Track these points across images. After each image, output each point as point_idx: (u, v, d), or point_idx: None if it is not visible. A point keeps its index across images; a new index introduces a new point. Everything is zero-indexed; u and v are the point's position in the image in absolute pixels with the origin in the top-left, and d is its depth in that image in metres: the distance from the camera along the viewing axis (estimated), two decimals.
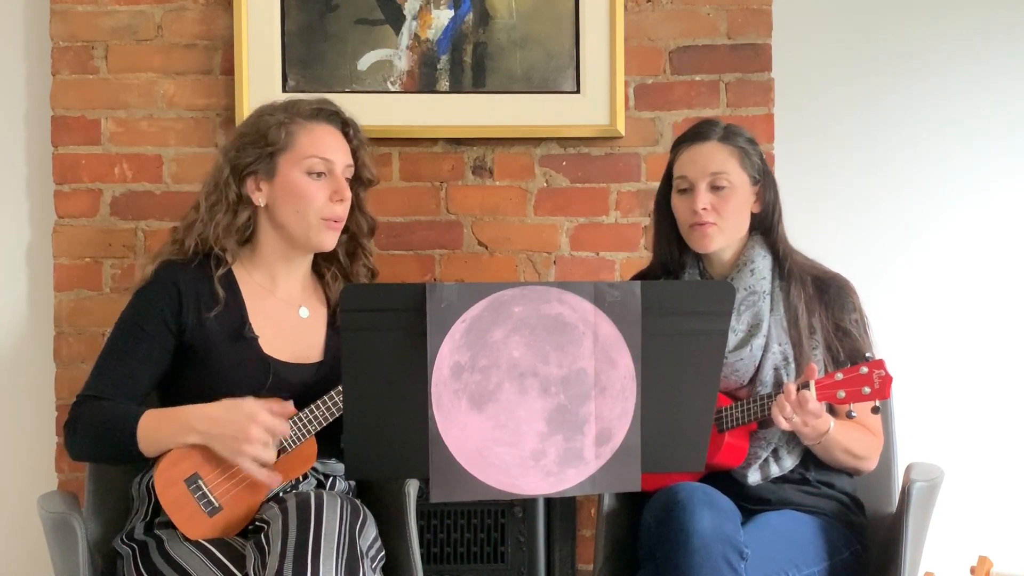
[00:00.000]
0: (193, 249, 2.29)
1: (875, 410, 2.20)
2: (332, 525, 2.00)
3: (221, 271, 2.27)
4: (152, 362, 2.24)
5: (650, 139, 2.93)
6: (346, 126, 2.34)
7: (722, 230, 2.36)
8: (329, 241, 2.31)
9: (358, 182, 2.37)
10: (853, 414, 2.20)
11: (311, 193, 2.27)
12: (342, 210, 2.30)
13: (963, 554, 2.59)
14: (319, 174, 2.28)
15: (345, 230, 2.36)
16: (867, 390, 2.18)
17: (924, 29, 3.02)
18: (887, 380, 2.17)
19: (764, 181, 2.39)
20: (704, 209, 2.33)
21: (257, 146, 2.28)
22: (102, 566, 2.28)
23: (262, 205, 2.30)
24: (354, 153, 2.35)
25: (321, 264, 2.41)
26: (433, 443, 1.83)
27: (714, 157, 2.35)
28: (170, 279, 2.26)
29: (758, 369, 2.35)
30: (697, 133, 2.40)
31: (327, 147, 2.29)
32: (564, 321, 1.85)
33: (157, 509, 2.18)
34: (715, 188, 2.35)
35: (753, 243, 2.41)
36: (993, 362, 3.03)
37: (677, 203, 2.40)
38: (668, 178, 2.44)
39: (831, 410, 2.28)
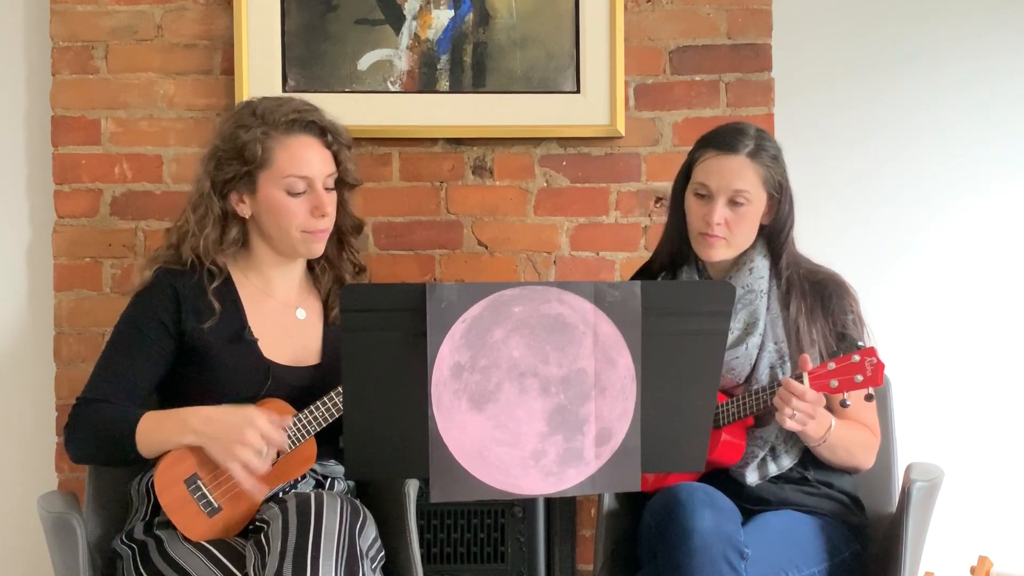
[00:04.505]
0: (190, 261, 2.27)
1: (869, 397, 2.20)
2: (332, 525, 2.00)
3: (217, 283, 2.27)
4: (151, 365, 2.24)
5: (650, 139, 2.93)
6: (324, 133, 2.29)
7: (730, 244, 2.35)
8: (317, 249, 2.30)
9: (342, 183, 2.34)
10: (847, 403, 2.20)
11: (292, 211, 2.25)
12: (325, 224, 2.28)
13: (963, 554, 2.58)
14: (299, 191, 2.25)
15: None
16: (860, 378, 2.18)
17: (924, 28, 3.02)
18: (879, 367, 2.17)
19: (781, 197, 2.37)
20: (718, 224, 2.33)
21: (234, 163, 2.25)
22: (102, 566, 2.28)
23: (248, 216, 2.29)
24: (335, 157, 2.31)
25: (311, 259, 2.40)
26: (433, 443, 1.83)
27: (740, 174, 2.32)
28: (169, 283, 2.26)
29: (754, 367, 2.35)
30: (726, 143, 2.34)
31: (305, 163, 2.25)
32: (564, 321, 1.85)
33: (156, 509, 2.18)
34: (733, 203, 2.33)
35: (755, 242, 2.40)
36: (993, 362, 3.03)
37: (692, 204, 2.37)
38: (687, 174, 2.40)
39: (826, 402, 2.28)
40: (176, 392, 2.28)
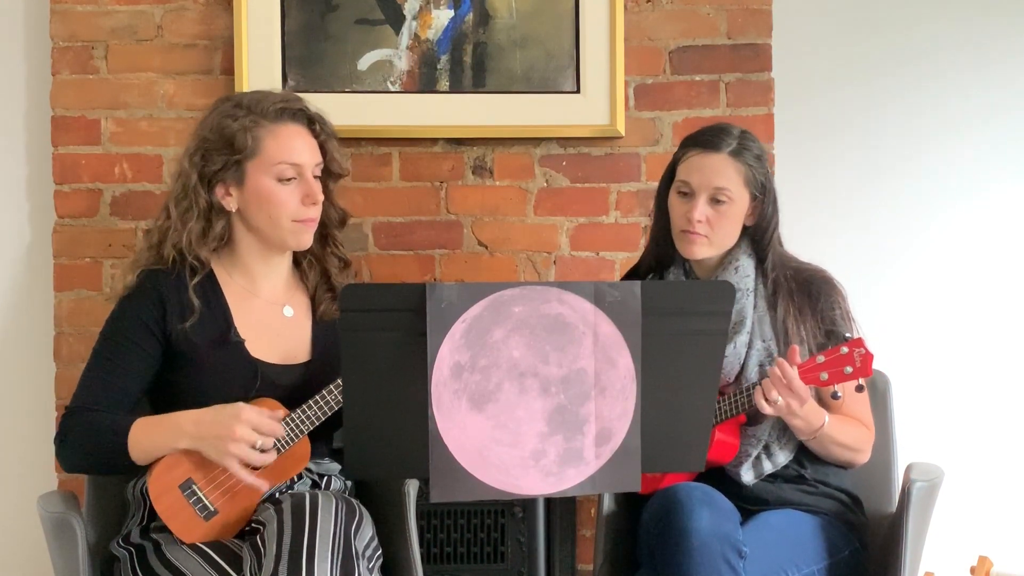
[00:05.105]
0: (172, 258, 2.25)
1: (859, 388, 2.20)
2: (327, 526, 2.00)
3: (196, 279, 2.24)
4: (139, 370, 2.22)
5: (650, 139, 2.93)
6: (312, 123, 2.29)
7: (712, 243, 2.36)
8: (306, 240, 2.29)
9: (327, 174, 2.33)
10: (838, 395, 2.21)
11: (283, 199, 2.24)
12: (315, 212, 2.27)
13: (963, 554, 2.59)
14: (289, 179, 2.24)
15: None
16: (849, 369, 2.18)
17: (924, 29, 3.03)
18: (868, 357, 2.17)
19: (764, 198, 2.37)
20: (699, 221, 2.33)
21: (223, 153, 2.23)
22: (101, 568, 2.27)
23: (234, 210, 2.27)
24: (322, 147, 2.30)
25: (297, 253, 2.37)
26: (433, 443, 1.83)
27: (721, 172, 2.33)
28: (153, 287, 2.24)
29: (743, 366, 2.35)
30: (709, 141, 2.36)
31: (295, 151, 2.24)
32: (564, 321, 1.85)
33: (153, 513, 2.17)
34: (715, 201, 2.34)
35: (739, 242, 2.40)
36: (993, 362, 3.03)
37: (674, 203, 2.39)
38: (671, 174, 2.42)
39: (817, 396, 2.28)
40: (167, 397, 2.26)
